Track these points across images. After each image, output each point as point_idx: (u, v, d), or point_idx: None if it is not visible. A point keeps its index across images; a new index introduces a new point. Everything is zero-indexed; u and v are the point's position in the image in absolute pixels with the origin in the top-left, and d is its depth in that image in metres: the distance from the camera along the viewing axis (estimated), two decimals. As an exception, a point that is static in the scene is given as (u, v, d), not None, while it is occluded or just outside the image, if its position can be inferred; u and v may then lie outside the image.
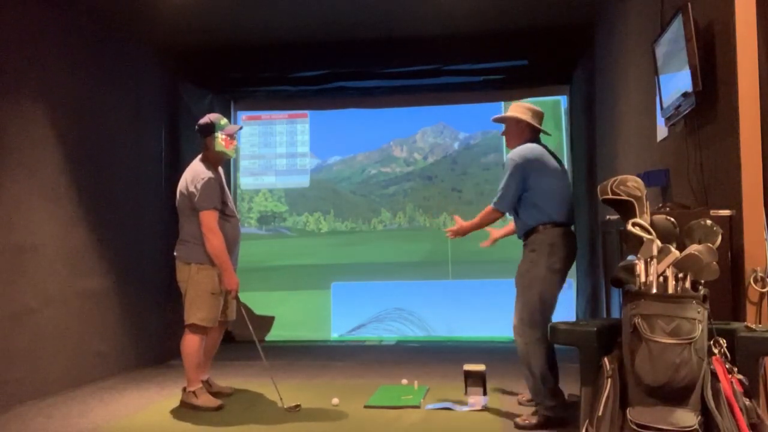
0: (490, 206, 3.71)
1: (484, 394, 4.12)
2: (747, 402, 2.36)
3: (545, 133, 3.79)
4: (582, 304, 6.12)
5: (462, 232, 3.84)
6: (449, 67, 6.46)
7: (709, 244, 2.48)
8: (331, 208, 7.24)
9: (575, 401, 2.97)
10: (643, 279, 2.48)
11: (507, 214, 3.78)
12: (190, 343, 4.03)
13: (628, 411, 2.39)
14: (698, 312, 2.35)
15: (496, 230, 4.06)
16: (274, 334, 6.80)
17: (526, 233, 3.64)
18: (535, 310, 3.51)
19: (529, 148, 3.64)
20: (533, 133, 3.74)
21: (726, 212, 2.88)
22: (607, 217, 3.65)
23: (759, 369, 2.53)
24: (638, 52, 4.35)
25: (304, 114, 7.21)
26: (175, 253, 4.14)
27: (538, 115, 3.75)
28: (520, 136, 3.74)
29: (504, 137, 3.88)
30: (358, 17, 5.74)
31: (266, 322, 6.80)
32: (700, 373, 2.33)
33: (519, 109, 3.77)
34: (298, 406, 3.95)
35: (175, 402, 4.15)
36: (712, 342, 2.43)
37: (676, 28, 3.22)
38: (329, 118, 7.18)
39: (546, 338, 3.46)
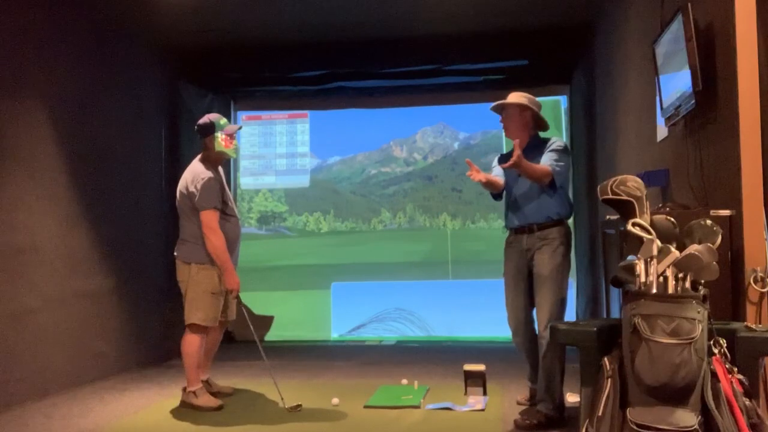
0: (549, 169, 3.50)
1: (484, 394, 4.13)
2: (747, 402, 2.36)
3: (544, 125, 3.74)
4: (582, 304, 6.12)
5: (520, 161, 3.39)
6: (449, 67, 6.46)
7: (709, 244, 2.48)
8: (331, 208, 7.24)
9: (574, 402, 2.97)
10: (643, 279, 2.48)
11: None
12: (190, 342, 4.03)
13: (628, 411, 2.39)
14: (698, 312, 2.35)
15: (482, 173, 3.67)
16: (274, 334, 6.80)
17: (549, 223, 3.54)
18: (565, 307, 3.51)
19: None
20: (536, 125, 3.70)
21: (726, 212, 2.88)
22: (607, 217, 3.65)
23: (759, 369, 2.54)
24: (638, 52, 4.35)
25: (304, 114, 7.21)
26: (175, 253, 4.14)
27: (539, 106, 3.70)
28: (525, 125, 3.65)
29: (503, 125, 3.73)
30: (358, 17, 5.75)
31: (265, 322, 6.80)
32: (700, 373, 2.33)
33: (521, 97, 3.65)
34: (299, 405, 3.95)
35: (175, 402, 4.15)
36: (712, 342, 2.43)
37: (676, 28, 3.22)
38: (329, 118, 7.18)
39: None
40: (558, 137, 3.67)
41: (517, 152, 3.34)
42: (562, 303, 3.50)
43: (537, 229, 3.57)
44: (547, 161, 3.55)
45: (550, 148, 3.61)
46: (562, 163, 3.56)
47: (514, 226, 3.70)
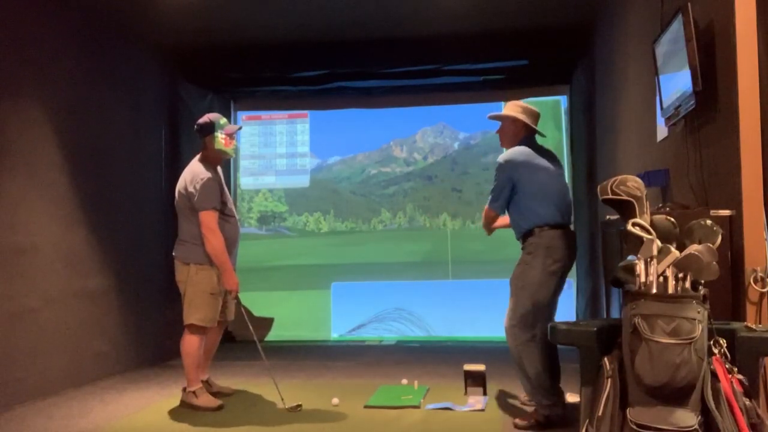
0: (486, 206, 3.77)
1: (484, 394, 4.13)
2: (747, 402, 2.36)
3: (540, 134, 3.75)
4: (582, 304, 6.12)
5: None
6: (449, 67, 6.46)
7: (709, 244, 2.48)
8: (331, 208, 7.24)
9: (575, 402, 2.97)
10: (643, 279, 2.48)
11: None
12: (190, 343, 4.03)
13: (628, 411, 2.39)
14: (698, 312, 2.35)
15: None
16: (274, 334, 6.80)
17: (522, 235, 3.64)
18: (527, 312, 3.49)
19: (517, 151, 3.62)
20: (528, 134, 3.70)
21: (726, 212, 2.88)
22: (607, 217, 3.65)
23: (759, 369, 2.53)
24: (638, 52, 4.35)
25: (304, 114, 7.21)
26: (173, 254, 4.14)
27: (534, 115, 3.71)
28: (515, 135, 3.71)
29: (498, 136, 3.84)
30: (358, 17, 5.75)
31: (265, 323, 6.80)
32: (700, 373, 2.33)
33: (515, 108, 3.72)
34: (299, 405, 3.95)
35: (175, 402, 4.15)
36: (712, 342, 2.43)
37: (676, 28, 3.22)
38: (329, 118, 7.18)
39: (537, 339, 3.46)
40: (503, 155, 3.71)
41: None
42: (519, 310, 3.51)
43: (521, 242, 3.68)
44: None
45: None
46: (493, 188, 3.68)
47: None
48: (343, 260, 7.11)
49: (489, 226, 3.90)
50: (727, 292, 2.85)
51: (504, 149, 3.84)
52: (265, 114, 7.27)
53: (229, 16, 5.60)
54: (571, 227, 3.73)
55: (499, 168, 3.64)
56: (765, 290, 2.75)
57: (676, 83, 3.34)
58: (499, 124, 3.82)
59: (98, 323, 5.06)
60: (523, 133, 3.70)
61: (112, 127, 5.35)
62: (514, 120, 3.70)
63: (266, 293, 6.91)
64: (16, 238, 4.28)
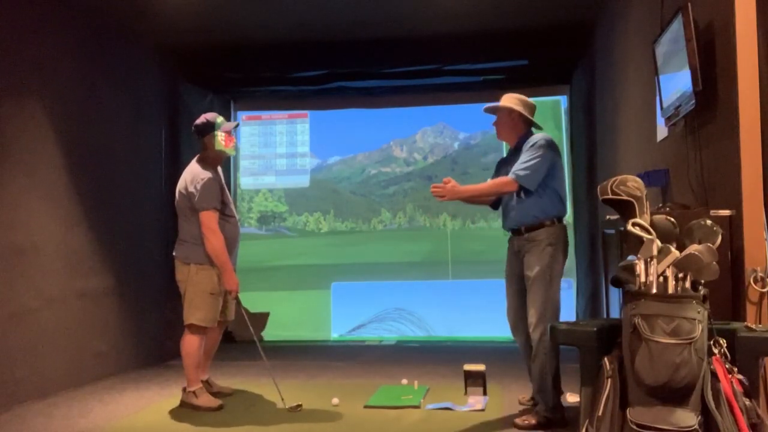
0: (511, 177, 3.47)
1: (484, 394, 4.13)
2: (747, 402, 2.37)
3: (537, 126, 3.72)
4: (582, 304, 6.12)
5: (455, 195, 3.50)
6: (449, 67, 6.46)
7: (709, 244, 2.48)
8: (331, 208, 7.25)
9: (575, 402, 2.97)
10: (643, 279, 2.48)
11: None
12: (190, 343, 4.03)
13: (628, 411, 2.39)
14: (698, 312, 2.35)
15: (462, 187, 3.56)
16: (273, 334, 6.80)
17: (536, 225, 3.49)
18: (557, 307, 3.46)
19: (551, 138, 3.59)
20: (526, 125, 3.68)
21: (726, 212, 2.88)
22: (607, 217, 3.65)
23: (759, 369, 2.54)
24: (638, 52, 4.35)
25: (304, 114, 7.21)
26: (174, 253, 4.14)
27: (530, 107, 3.67)
28: (512, 127, 3.67)
29: (495, 128, 3.78)
30: (358, 17, 5.74)
31: (260, 320, 6.78)
32: (700, 373, 2.33)
33: (512, 99, 3.66)
34: (299, 405, 3.95)
35: (175, 402, 4.15)
36: (712, 342, 2.43)
37: (676, 28, 3.22)
38: (329, 118, 7.18)
39: None
40: (542, 134, 3.59)
41: (447, 187, 3.41)
42: (551, 304, 3.44)
43: (525, 230, 3.54)
44: (514, 167, 3.50)
45: (525, 148, 3.54)
46: (532, 162, 3.45)
47: (507, 228, 3.71)
48: (343, 260, 7.12)
49: (487, 195, 3.65)
50: (727, 292, 2.85)
51: (503, 143, 3.81)
52: (265, 114, 7.27)
53: (229, 16, 5.60)
54: None
55: (543, 145, 3.48)
56: (765, 290, 2.75)
57: (676, 83, 3.34)
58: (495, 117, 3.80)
59: (98, 323, 5.06)
60: (521, 125, 3.67)
61: (112, 127, 5.34)
62: (510, 111, 3.65)
63: (266, 293, 6.91)
64: (16, 238, 4.28)
